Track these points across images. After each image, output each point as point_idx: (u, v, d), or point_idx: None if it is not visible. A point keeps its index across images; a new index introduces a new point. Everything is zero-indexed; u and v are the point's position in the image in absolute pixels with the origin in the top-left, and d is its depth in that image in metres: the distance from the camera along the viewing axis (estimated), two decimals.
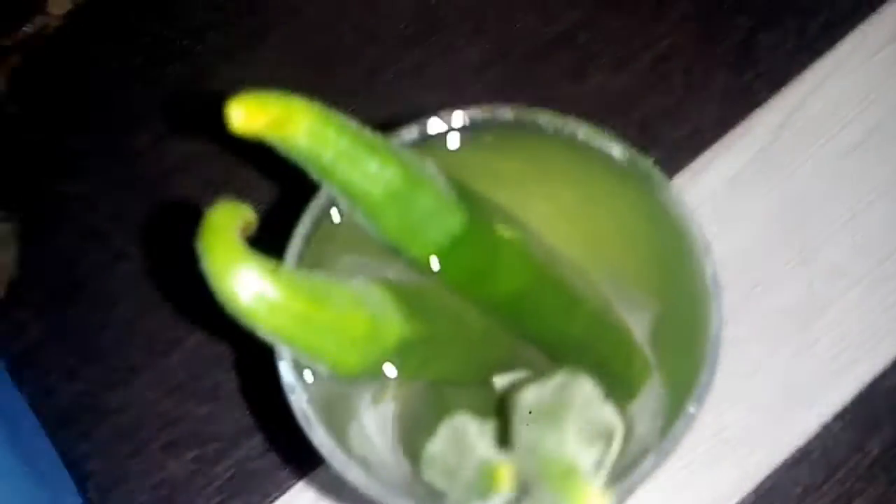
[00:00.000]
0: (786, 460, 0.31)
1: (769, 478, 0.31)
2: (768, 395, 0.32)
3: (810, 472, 0.31)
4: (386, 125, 0.35)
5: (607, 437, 0.14)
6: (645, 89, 0.38)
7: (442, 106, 0.36)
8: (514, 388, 0.18)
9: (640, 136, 0.37)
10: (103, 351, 0.34)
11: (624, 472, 0.14)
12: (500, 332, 0.17)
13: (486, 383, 0.18)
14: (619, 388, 0.17)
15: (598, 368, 0.17)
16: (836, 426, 0.31)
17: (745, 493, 0.30)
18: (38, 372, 0.34)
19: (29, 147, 0.39)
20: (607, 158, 0.16)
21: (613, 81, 0.39)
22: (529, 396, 0.14)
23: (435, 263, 0.16)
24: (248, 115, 0.13)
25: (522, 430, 0.13)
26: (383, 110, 0.38)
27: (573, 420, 0.13)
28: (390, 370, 0.15)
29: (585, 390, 0.15)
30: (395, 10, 0.40)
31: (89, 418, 0.33)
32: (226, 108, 0.13)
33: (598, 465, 0.13)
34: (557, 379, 0.15)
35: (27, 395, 0.34)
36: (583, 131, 0.17)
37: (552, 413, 0.14)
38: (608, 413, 0.14)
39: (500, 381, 0.18)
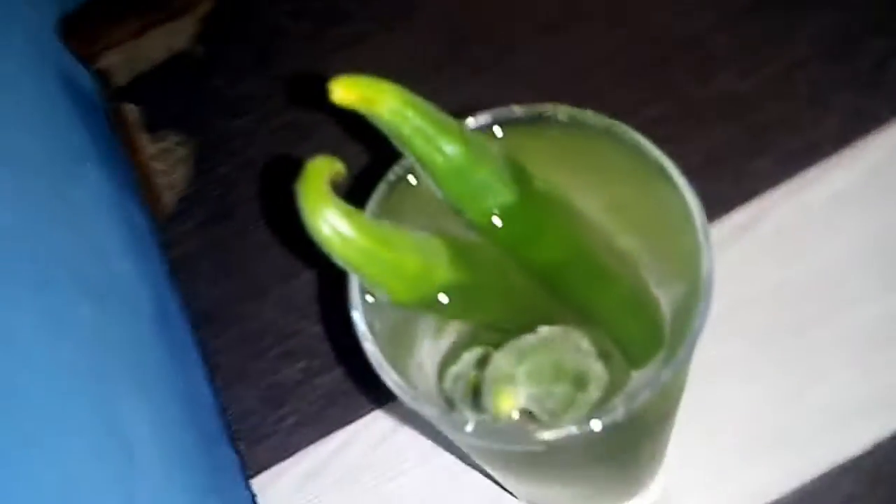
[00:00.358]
0: (834, 468, 0.32)
1: (814, 481, 0.32)
2: (833, 402, 0.33)
3: (855, 481, 0.32)
4: (508, 104, 0.39)
5: (581, 381, 0.17)
6: (768, 97, 0.39)
7: (566, 90, 0.40)
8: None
9: (754, 141, 0.39)
10: (242, 268, 0.40)
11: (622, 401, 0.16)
12: (540, 289, 0.20)
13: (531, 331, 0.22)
14: (633, 352, 0.20)
15: (617, 333, 0.20)
16: (890, 444, 0.32)
17: (787, 492, 0.32)
18: (190, 276, 0.41)
19: (207, 85, 0.45)
20: (630, 148, 0.19)
21: (738, 86, 0.40)
22: (530, 337, 0.18)
23: (489, 226, 0.19)
24: (344, 91, 0.17)
25: (502, 355, 0.17)
26: (508, 89, 0.41)
27: (543, 356, 0.17)
28: (442, 303, 0.19)
29: (573, 342, 0.18)
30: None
31: (223, 322, 0.39)
32: (329, 85, 0.17)
33: (564, 399, 0.17)
34: (557, 329, 0.18)
35: (180, 295, 0.41)
36: (611, 125, 0.20)
37: (529, 348, 0.17)
38: (589, 364, 0.18)
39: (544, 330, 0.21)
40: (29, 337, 0.31)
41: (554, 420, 0.17)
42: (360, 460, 0.36)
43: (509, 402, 0.14)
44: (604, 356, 0.19)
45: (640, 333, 0.20)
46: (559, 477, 0.24)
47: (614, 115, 0.40)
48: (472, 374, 0.18)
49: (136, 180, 0.44)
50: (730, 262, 0.36)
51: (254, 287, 0.39)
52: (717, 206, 0.37)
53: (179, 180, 0.43)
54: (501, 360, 0.16)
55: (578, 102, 0.40)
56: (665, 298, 0.21)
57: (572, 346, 0.18)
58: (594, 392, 0.17)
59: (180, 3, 0.46)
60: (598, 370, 0.18)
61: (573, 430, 0.16)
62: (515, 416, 0.14)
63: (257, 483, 0.36)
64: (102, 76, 0.46)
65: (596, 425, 0.17)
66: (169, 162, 0.43)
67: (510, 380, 0.14)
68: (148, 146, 0.44)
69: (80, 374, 0.32)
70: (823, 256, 0.35)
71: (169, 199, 0.42)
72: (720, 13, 0.41)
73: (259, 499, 0.36)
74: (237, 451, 0.37)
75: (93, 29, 0.47)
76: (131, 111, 0.45)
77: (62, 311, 0.34)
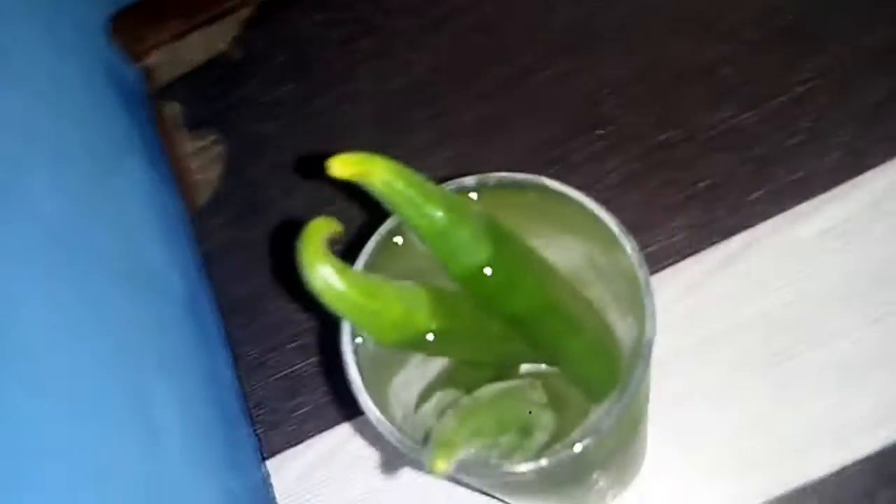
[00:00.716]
0: (797, 489, 0.34)
1: (779, 499, 0.35)
2: (798, 429, 0.35)
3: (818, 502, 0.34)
4: (526, 122, 0.41)
5: (526, 430, 0.20)
6: (771, 129, 0.41)
7: (579, 111, 0.42)
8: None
9: (752, 174, 0.40)
10: (267, 265, 0.43)
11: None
12: (513, 334, 0.23)
13: (510, 369, 0.24)
14: (593, 389, 0.22)
15: (580, 372, 0.23)
16: (853, 469, 0.34)
17: None
18: (218, 269, 0.44)
19: (244, 87, 0.48)
20: (580, 209, 0.22)
21: (742, 117, 0.42)
22: (483, 392, 0.21)
23: (468, 279, 0.22)
24: (341, 168, 0.20)
25: (450, 416, 0.19)
26: (525, 108, 0.44)
27: (486, 415, 0.19)
28: (423, 343, 0.22)
29: (525, 394, 0.21)
30: (556, 19, 0.45)
31: (247, 314, 0.42)
32: (326, 162, 0.20)
33: (510, 447, 0.19)
34: (512, 383, 0.21)
35: (209, 286, 0.44)
36: (570, 192, 0.22)
37: (484, 401, 0.20)
38: (537, 413, 0.20)
39: (525, 367, 0.24)
40: (65, 318, 0.34)
41: (505, 460, 0.20)
42: (364, 450, 0.39)
43: (442, 465, 0.17)
44: (557, 401, 0.21)
45: (600, 372, 0.23)
46: (533, 494, 0.27)
47: (622, 138, 0.43)
48: (433, 420, 0.21)
49: (172, 175, 0.47)
50: (715, 290, 0.38)
51: (276, 284, 0.43)
52: (710, 234, 0.40)
53: (213, 178, 0.46)
54: (448, 420, 0.19)
55: (590, 125, 0.42)
56: (624, 339, 0.23)
57: (523, 398, 0.21)
58: (540, 437, 0.20)
59: (223, 8, 0.49)
60: (545, 418, 0.21)
61: (540, 462, 0.19)
62: (450, 471, 0.17)
63: (271, 464, 0.40)
64: (146, 73, 0.49)
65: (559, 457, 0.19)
66: (204, 159, 0.47)
67: (449, 444, 0.17)
68: (185, 143, 0.47)
69: (111, 354, 0.36)
70: (806, 290, 0.37)
71: (202, 195, 0.46)
72: (733, 46, 0.43)
73: (272, 478, 0.40)
74: (255, 434, 0.41)
75: (140, 28, 0.50)
76: (171, 109, 0.48)
77: (98, 294, 0.38)
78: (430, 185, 0.21)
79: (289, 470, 0.39)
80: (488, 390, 0.21)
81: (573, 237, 0.23)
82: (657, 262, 0.40)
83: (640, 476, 0.35)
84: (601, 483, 0.27)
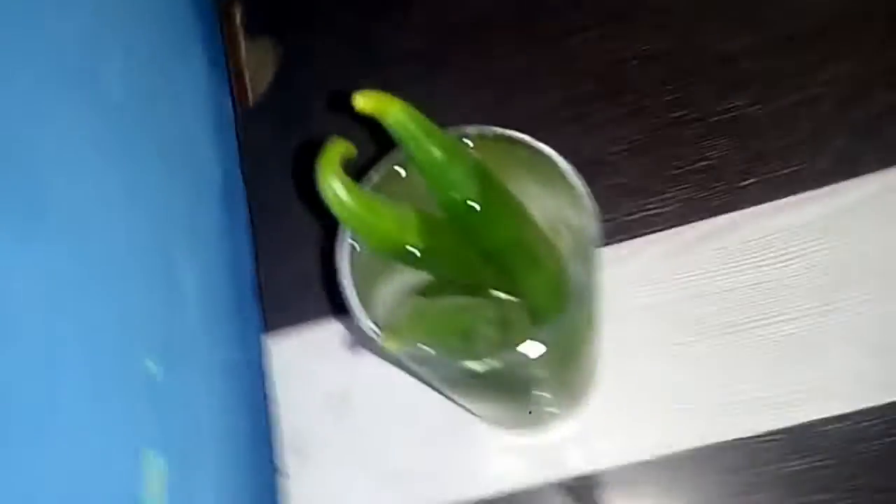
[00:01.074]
0: (719, 443, 0.39)
1: (705, 448, 0.39)
2: (732, 395, 0.40)
3: (737, 457, 0.39)
4: (555, 79, 0.44)
5: (468, 338, 0.24)
6: (774, 124, 0.44)
7: (602, 79, 0.45)
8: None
9: (749, 161, 0.44)
10: (299, 171, 0.48)
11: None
12: (484, 259, 0.27)
13: (477, 291, 0.29)
14: (542, 313, 0.27)
15: (533, 306, 0.27)
16: (769, 438, 0.39)
17: (680, 450, 0.39)
18: (256, 168, 0.49)
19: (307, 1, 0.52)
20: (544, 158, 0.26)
21: (751, 108, 0.45)
22: (447, 299, 0.25)
23: (455, 209, 0.26)
24: (364, 102, 0.24)
25: (411, 310, 0.24)
26: (558, 66, 0.47)
27: (441, 313, 0.24)
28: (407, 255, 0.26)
29: (479, 310, 0.25)
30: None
31: (275, 213, 0.48)
32: (353, 95, 0.24)
33: (453, 348, 0.24)
34: (471, 299, 0.25)
35: (244, 182, 0.49)
36: (548, 151, 0.26)
37: (436, 304, 0.25)
38: (482, 326, 0.25)
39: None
40: (117, 182, 0.39)
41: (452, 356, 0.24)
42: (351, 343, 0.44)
43: (390, 345, 0.21)
44: (507, 323, 0.26)
45: (552, 306, 0.28)
46: (482, 396, 0.31)
47: (639, 109, 0.46)
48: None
49: (228, 75, 0.51)
50: (690, 260, 0.42)
51: (305, 189, 0.47)
52: (698, 210, 0.43)
53: (263, 83, 0.51)
54: (402, 311, 0.23)
55: (613, 92, 0.46)
56: (577, 282, 0.28)
57: (473, 312, 0.25)
58: (482, 347, 0.25)
59: None
60: (489, 331, 0.25)
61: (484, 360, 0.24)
62: (398, 350, 0.21)
63: (271, 341, 0.45)
64: None
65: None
66: (258, 65, 0.51)
67: (397, 330, 0.21)
68: (244, 47, 0.51)
69: (149, 220, 0.41)
70: (771, 275, 0.41)
71: (251, 98, 0.50)
72: (757, 38, 0.46)
73: (272, 350, 0.45)
74: (262, 315, 0.46)
75: None
76: (236, 11, 0.52)
77: (148, 168, 0.43)
78: (435, 129, 0.25)
79: (284, 347, 0.45)
80: (445, 300, 0.26)
81: (548, 190, 0.27)
82: (647, 226, 0.44)
83: (587, 410, 0.40)
84: (545, 400, 0.32)
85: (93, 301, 0.34)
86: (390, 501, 0.41)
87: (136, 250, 0.39)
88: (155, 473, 0.35)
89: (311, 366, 0.44)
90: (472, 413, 0.41)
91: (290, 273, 0.46)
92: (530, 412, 0.34)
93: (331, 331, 0.45)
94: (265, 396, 0.45)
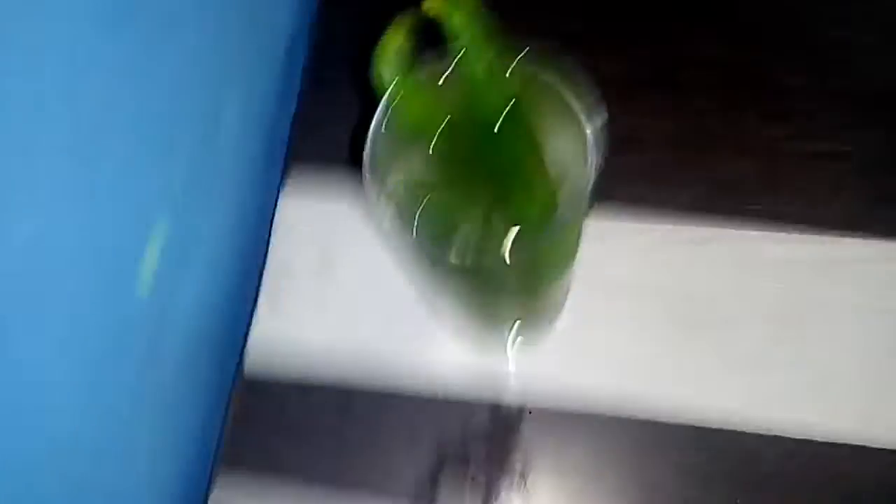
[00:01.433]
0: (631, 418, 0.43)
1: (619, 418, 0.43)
2: (685, 369, 0.43)
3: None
4: (612, 57, 0.47)
5: (450, 226, 0.28)
6: (801, 162, 0.47)
7: (658, 69, 0.48)
8: None
9: (762, 188, 0.47)
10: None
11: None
12: (487, 176, 0.31)
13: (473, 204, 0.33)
14: (529, 227, 0.30)
15: (526, 211, 0.31)
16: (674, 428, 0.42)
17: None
18: (322, 36, 0.52)
19: None
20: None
21: (778, 138, 0.47)
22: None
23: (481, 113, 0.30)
24: (434, 3, 0.27)
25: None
26: (615, 49, 0.50)
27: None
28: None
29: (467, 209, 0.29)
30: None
31: (333, 85, 0.51)
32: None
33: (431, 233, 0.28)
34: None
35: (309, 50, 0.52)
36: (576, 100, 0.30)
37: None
38: (465, 220, 0.29)
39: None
40: (191, 40, 0.42)
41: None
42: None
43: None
44: (491, 230, 0.30)
45: (535, 223, 0.31)
46: (459, 290, 0.35)
47: (681, 105, 0.48)
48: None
49: None
50: (665, 254, 0.45)
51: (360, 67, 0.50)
52: (698, 214, 0.46)
53: None
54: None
55: (665, 83, 0.48)
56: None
57: (468, 213, 0.29)
58: (460, 236, 0.29)
59: None
60: (466, 228, 0.29)
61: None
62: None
63: (286, 192, 0.49)
64: None
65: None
66: None
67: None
68: None
69: (197, 74, 0.44)
70: (733, 291, 0.45)
71: None
72: (811, 78, 0.48)
73: (283, 202, 0.49)
74: (283, 174, 0.50)
75: None
76: None
77: (221, 26, 0.45)
78: (491, 38, 0.28)
79: (292, 206, 0.49)
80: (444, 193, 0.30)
81: (568, 136, 0.30)
82: (646, 213, 0.47)
83: (541, 351, 0.44)
84: (508, 310, 0.36)
85: (126, 132, 0.38)
86: (341, 352, 0.46)
87: (185, 95, 0.42)
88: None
89: (313, 226, 0.48)
90: (445, 311, 0.44)
91: (322, 144, 0.50)
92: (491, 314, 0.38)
93: (342, 203, 0.48)
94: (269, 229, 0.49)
